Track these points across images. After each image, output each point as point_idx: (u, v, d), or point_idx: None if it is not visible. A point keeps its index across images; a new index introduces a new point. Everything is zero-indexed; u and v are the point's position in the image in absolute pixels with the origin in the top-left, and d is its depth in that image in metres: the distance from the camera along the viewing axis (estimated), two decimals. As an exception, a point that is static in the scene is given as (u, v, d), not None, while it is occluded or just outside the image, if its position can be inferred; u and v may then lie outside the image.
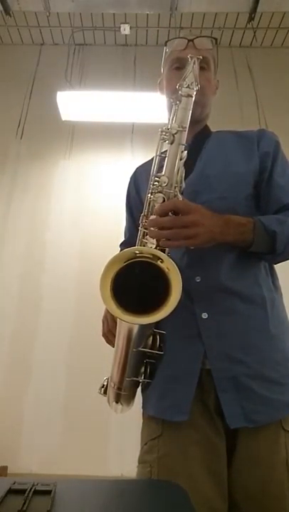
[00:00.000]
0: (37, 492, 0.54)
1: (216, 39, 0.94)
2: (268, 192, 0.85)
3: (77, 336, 2.49)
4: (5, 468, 2.16)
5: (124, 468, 2.10)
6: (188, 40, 0.89)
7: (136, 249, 0.64)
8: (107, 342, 0.88)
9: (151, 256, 0.62)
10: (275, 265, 0.89)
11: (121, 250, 1.05)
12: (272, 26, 3.38)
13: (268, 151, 0.88)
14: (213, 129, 0.99)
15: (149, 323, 0.62)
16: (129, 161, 2.98)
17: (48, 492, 0.54)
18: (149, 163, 0.91)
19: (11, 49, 3.59)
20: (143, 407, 0.84)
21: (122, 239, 1.11)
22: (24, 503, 0.50)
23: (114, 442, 2.24)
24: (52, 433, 2.29)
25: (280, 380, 0.75)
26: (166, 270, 0.60)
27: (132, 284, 0.62)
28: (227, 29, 3.39)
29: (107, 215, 2.70)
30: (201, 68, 0.84)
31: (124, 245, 1.08)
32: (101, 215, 2.81)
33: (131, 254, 0.62)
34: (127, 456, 2.13)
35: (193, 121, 0.75)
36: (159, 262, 0.61)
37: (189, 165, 0.74)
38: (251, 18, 3.17)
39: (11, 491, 0.54)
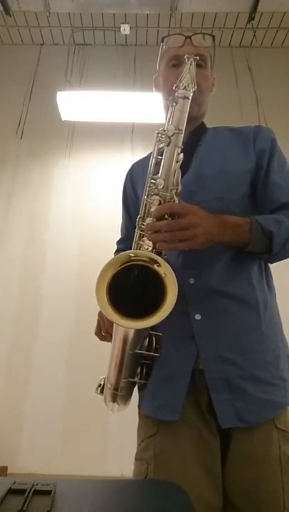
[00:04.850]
0: (37, 492, 0.54)
1: (213, 36, 0.93)
2: (264, 190, 0.85)
3: (77, 335, 2.49)
4: (5, 468, 2.17)
5: (124, 468, 2.10)
6: (186, 37, 0.88)
7: (131, 252, 0.64)
8: (101, 339, 0.89)
9: (147, 259, 0.62)
10: (270, 264, 0.89)
11: (117, 248, 1.06)
12: (272, 26, 3.38)
13: (264, 148, 0.87)
14: (212, 129, 0.99)
15: (144, 328, 0.62)
16: (129, 160, 2.96)
17: (48, 492, 0.54)
18: (146, 159, 0.90)
19: (11, 49, 3.59)
20: (139, 406, 0.85)
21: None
22: (24, 503, 0.50)
23: (114, 442, 2.24)
24: (52, 433, 2.29)
25: (272, 380, 0.76)
26: (163, 275, 0.60)
27: (128, 288, 0.62)
28: (227, 29, 3.39)
29: (107, 215, 2.69)
30: (198, 66, 0.84)
31: (120, 243, 1.08)
32: (101, 214, 2.81)
33: (126, 258, 0.62)
34: (127, 456, 2.12)
35: (190, 119, 0.75)
36: (155, 266, 0.61)
37: (185, 163, 0.74)
38: (251, 18, 3.17)
39: (11, 491, 0.54)
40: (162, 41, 0.96)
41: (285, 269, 1.21)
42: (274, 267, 0.89)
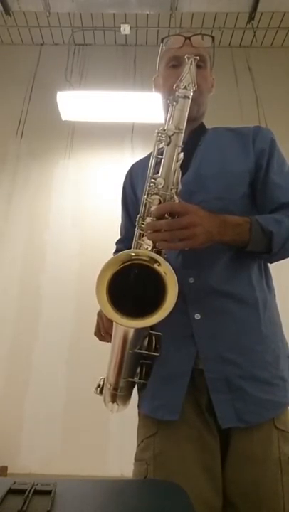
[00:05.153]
0: (37, 492, 0.54)
1: (213, 37, 0.93)
2: (264, 190, 0.85)
3: (77, 335, 2.49)
4: (5, 468, 2.17)
5: (124, 468, 2.10)
6: (185, 38, 0.88)
7: (132, 251, 0.63)
8: (100, 340, 0.88)
9: (147, 258, 0.62)
10: (269, 264, 0.89)
11: (117, 248, 1.06)
12: (272, 26, 3.38)
13: (264, 148, 0.87)
14: (212, 128, 0.99)
15: (144, 327, 0.62)
16: (129, 160, 2.97)
17: (48, 492, 0.54)
18: (146, 159, 0.90)
19: (11, 49, 3.59)
20: (138, 406, 0.85)
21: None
22: (24, 503, 0.50)
23: (114, 442, 2.24)
24: (52, 433, 2.29)
25: (271, 380, 0.76)
26: (163, 274, 0.60)
27: (128, 286, 0.62)
28: (227, 29, 3.39)
29: (107, 215, 2.69)
30: (198, 66, 0.84)
31: (119, 243, 1.08)
32: (101, 214, 2.81)
33: (127, 257, 0.62)
34: (127, 456, 2.12)
35: (190, 120, 0.74)
36: (156, 265, 0.61)
37: (184, 163, 0.74)
38: (251, 18, 3.17)
39: (11, 491, 0.54)
40: (162, 42, 0.96)
41: (284, 269, 1.21)
42: (274, 267, 0.89)
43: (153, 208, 0.69)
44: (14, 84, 3.39)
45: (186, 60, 0.76)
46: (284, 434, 0.74)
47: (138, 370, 0.73)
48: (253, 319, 0.79)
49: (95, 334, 0.90)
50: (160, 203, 0.69)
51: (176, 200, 0.69)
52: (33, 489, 0.54)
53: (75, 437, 2.28)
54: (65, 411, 2.34)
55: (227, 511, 0.73)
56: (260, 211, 0.84)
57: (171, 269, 0.60)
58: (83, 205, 2.94)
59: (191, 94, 0.73)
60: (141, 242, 0.70)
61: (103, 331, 0.87)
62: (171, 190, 0.69)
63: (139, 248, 0.69)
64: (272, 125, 1.05)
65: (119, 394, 0.75)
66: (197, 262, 0.80)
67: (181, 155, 0.71)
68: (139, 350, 0.70)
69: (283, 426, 0.75)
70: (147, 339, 0.70)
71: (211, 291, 0.79)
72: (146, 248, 0.68)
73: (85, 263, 2.65)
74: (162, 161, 0.71)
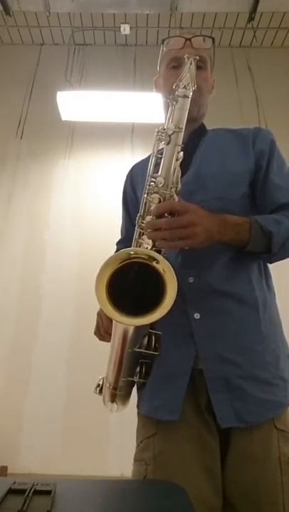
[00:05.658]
0: (37, 492, 0.54)
1: (213, 38, 0.93)
2: (263, 191, 0.85)
3: (77, 335, 2.49)
4: (5, 468, 2.17)
5: (124, 468, 2.10)
6: (186, 39, 0.88)
7: (131, 250, 0.63)
8: (100, 339, 0.88)
9: (146, 257, 0.62)
10: (269, 264, 0.89)
11: (117, 248, 1.06)
12: (272, 26, 3.38)
13: (264, 150, 0.87)
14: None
15: (144, 324, 0.62)
16: (129, 160, 2.97)
17: (48, 492, 0.54)
18: (146, 160, 0.91)
19: (11, 49, 3.59)
20: (137, 406, 0.85)
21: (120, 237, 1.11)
22: (24, 503, 0.50)
23: (114, 442, 2.24)
24: (52, 433, 2.29)
25: (271, 380, 0.76)
26: (162, 272, 0.60)
27: (128, 285, 0.62)
28: (227, 29, 3.39)
29: (107, 215, 2.70)
30: (198, 67, 0.84)
31: (120, 243, 1.08)
32: (101, 214, 2.82)
33: (126, 255, 0.62)
34: (127, 456, 2.12)
35: (190, 120, 0.75)
36: (154, 263, 0.61)
37: (185, 163, 0.74)
38: (251, 18, 3.17)
39: (11, 491, 0.54)
40: (162, 43, 0.96)
41: (284, 269, 1.21)
42: (274, 267, 0.89)
43: (153, 207, 0.69)
44: (14, 84, 3.39)
45: (186, 59, 0.76)
46: (284, 435, 0.74)
47: (138, 369, 0.73)
48: (253, 319, 0.79)
49: (95, 334, 0.89)
50: (160, 201, 0.69)
51: (176, 199, 0.70)
52: (33, 489, 0.54)
53: (75, 437, 2.28)
54: (65, 411, 2.34)
55: (227, 511, 0.73)
56: (260, 211, 0.85)
57: (170, 266, 0.60)
58: (83, 205, 2.94)
59: (191, 93, 0.73)
60: (141, 241, 0.70)
61: (103, 330, 0.86)
62: (171, 189, 0.69)
63: (139, 247, 0.69)
64: (272, 125, 1.05)
65: (118, 393, 0.75)
66: (197, 262, 0.80)
67: (181, 154, 0.71)
68: (138, 349, 0.70)
69: (283, 426, 0.75)
70: (147, 338, 0.70)
71: (210, 290, 0.79)
72: (146, 247, 0.68)
73: (85, 263, 2.65)
74: (162, 160, 0.71)
